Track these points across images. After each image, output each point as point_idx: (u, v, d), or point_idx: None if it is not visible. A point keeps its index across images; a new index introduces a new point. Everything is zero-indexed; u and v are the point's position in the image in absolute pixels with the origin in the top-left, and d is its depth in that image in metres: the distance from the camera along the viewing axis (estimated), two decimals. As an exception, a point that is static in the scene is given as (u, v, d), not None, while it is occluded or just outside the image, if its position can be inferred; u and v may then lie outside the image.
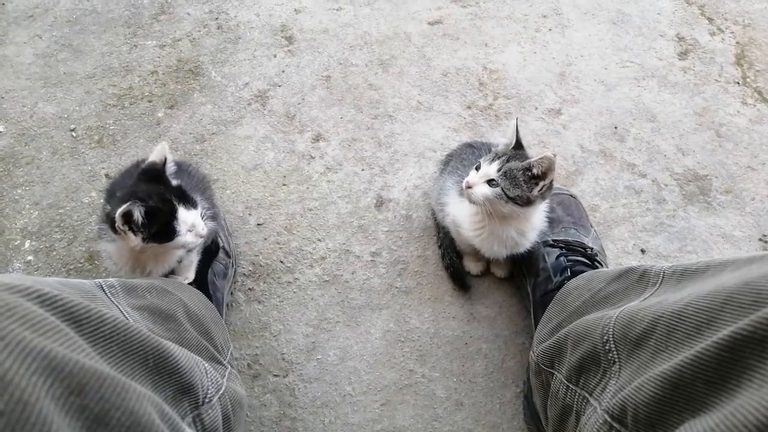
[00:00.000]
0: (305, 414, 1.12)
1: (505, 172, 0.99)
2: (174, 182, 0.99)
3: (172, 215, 0.93)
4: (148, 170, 0.96)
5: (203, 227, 0.98)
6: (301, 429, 1.11)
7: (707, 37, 1.67)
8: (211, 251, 1.15)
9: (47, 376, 0.43)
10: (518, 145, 1.05)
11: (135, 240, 0.91)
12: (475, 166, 1.04)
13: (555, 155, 0.96)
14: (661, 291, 0.74)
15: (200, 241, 0.99)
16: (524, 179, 0.99)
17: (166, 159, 0.96)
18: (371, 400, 1.14)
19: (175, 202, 0.94)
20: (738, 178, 1.40)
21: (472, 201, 1.03)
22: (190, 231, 0.96)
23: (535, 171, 0.98)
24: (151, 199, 0.92)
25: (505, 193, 0.99)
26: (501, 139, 1.09)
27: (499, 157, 1.01)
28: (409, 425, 1.11)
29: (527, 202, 1.01)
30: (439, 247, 1.29)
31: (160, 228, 0.92)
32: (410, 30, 1.69)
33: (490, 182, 1.00)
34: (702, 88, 1.57)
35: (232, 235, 1.29)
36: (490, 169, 1.00)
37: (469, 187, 1.01)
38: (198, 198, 1.03)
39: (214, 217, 1.13)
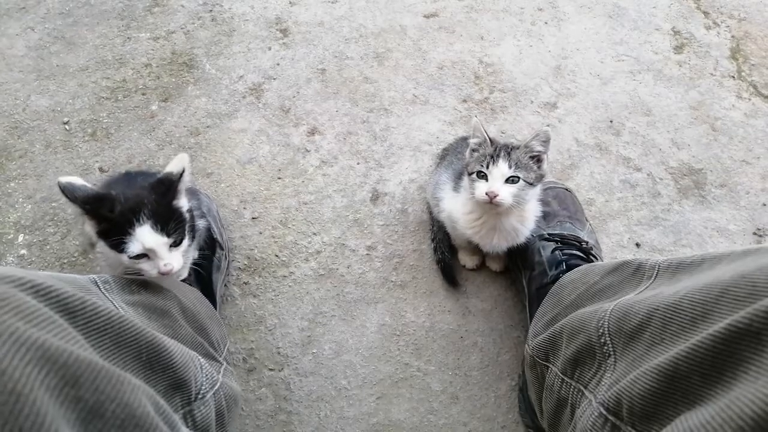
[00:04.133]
0: (301, 408, 1.12)
1: (517, 164, 1.00)
2: (183, 202, 0.90)
3: (126, 226, 0.81)
4: (162, 180, 0.87)
5: (170, 266, 0.85)
6: (297, 423, 1.11)
7: (703, 31, 1.67)
8: (213, 248, 1.14)
9: (41, 367, 0.42)
10: (491, 141, 1.05)
11: (90, 229, 0.84)
12: (477, 177, 1.03)
13: (548, 126, 0.99)
14: (656, 284, 0.74)
15: (156, 275, 0.86)
16: (532, 161, 1.03)
17: (183, 171, 0.86)
18: (367, 394, 1.14)
19: (140, 218, 0.82)
20: (733, 172, 1.40)
21: (503, 207, 1.02)
22: (146, 257, 0.84)
23: (538, 149, 1.02)
24: (118, 199, 0.82)
25: (526, 182, 1.01)
26: (471, 140, 1.08)
27: (496, 157, 1.01)
28: (404, 419, 1.11)
29: (540, 179, 1.05)
30: (432, 240, 1.29)
31: (109, 230, 0.82)
32: (406, 23, 1.68)
33: (509, 180, 1.00)
34: (697, 82, 1.57)
35: (224, 227, 1.28)
36: (501, 169, 1.00)
37: (494, 196, 0.99)
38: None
39: (202, 215, 1.10)
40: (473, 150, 1.07)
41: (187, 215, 0.91)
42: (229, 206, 1.35)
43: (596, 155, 1.43)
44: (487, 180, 1.01)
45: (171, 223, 0.85)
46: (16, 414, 0.39)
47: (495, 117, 1.49)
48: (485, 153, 1.03)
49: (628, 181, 1.39)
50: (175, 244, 0.86)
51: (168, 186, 0.86)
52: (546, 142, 1.02)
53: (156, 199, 0.84)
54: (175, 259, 0.86)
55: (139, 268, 0.85)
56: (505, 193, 1.00)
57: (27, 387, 0.40)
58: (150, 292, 0.84)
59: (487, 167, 1.01)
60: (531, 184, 1.02)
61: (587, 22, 1.69)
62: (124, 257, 0.83)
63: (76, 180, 0.83)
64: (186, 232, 0.89)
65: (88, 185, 0.84)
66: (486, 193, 0.99)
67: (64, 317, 0.51)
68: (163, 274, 0.85)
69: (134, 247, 0.82)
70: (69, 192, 0.80)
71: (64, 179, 0.81)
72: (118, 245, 0.82)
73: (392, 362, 1.17)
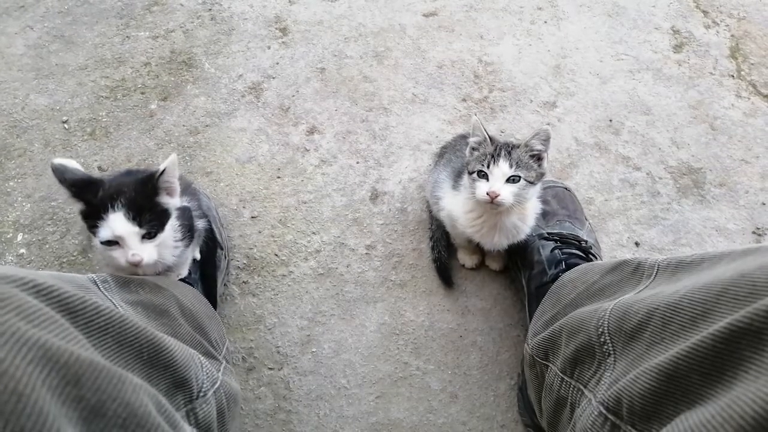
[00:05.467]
0: (300, 407, 1.12)
1: (518, 163, 1.00)
2: (168, 200, 0.90)
3: (101, 211, 0.82)
4: (148, 176, 0.88)
5: (138, 257, 0.85)
6: (296, 422, 1.11)
7: (702, 30, 1.67)
8: (212, 248, 1.14)
9: (43, 367, 0.43)
10: (491, 139, 1.05)
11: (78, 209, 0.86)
12: (478, 176, 1.02)
13: (548, 124, 0.99)
14: (656, 283, 0.74)
15: (125, 265, 0.86)
16: (532, 159, 1.03)
17: (164, 170, 0.86)
18: (366, 393, 1.14)
19: (115, 205, 0.82)
20: (732, 171, 1.41)
21: (504, 206, 1.01)
22: (117, 244, 0.84)
23: (539, 147, 1.02)
24: (103, 186, 0.84)
25: (527, 181, 1.01)
26: (471, 139, 1.08)
27: (497, 156, 1.01)
28: (403, 418, 1.11)
29: (541, 177, 1.05)
30: (430, 239, 1.29)
31: (89, 214, 0.84)
32: (405, 22, 1.68)
33: (510, 180, 1.00)
34: (696, 81, 1.57)
35: (224, 226, 1.28)
36: (502, 169, 1.00)
37: (495, 196, 0.99)
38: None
39: (202, 215, 1.10)
40: (473, 149, 1.07)
41: (172, 213, 0.91)
42: (229, 205, 1.34)
43: (595, 154, 1.43)
44: (487, 179, 1.01)
45: (146, 215, 0.85)
46: (18, 414, 0.39)
47: (494, 116, 1.49)
48: (486, 152, 1.03)
49: (628, 180, 1.39)
50: (148, 237, 0.87)
51: (149, 181, 0.87)
52: (546, 140, 1.02)
53: (136, 190, 0.85)
54: (145, 251, 0.86)
55: (109, 255, 0.86)
56: (506, 193, 0.99)
57: (29, 387, 0.40)
58: (149, 292, 0.84)
59: (488, 167, 1.01)
60: (531, 182, 1.02)
61: (587, 21, 1.69)
62: (96, 242, 0.84)
63: (70, 162, 0.84)
64: (164, 227, 0.89)
65: (81, 169, 0.85)
66: (487, 193, 0.99)
67: (66, 317, 0.51)
68: (131, 264, 0.85)
69: (104, 232, 0.83)
70: (59, 173, 0.82)
71: (58, 160, 0.83)
72: (93, 228, 0.83)
73: (391, 361, 1.17)
